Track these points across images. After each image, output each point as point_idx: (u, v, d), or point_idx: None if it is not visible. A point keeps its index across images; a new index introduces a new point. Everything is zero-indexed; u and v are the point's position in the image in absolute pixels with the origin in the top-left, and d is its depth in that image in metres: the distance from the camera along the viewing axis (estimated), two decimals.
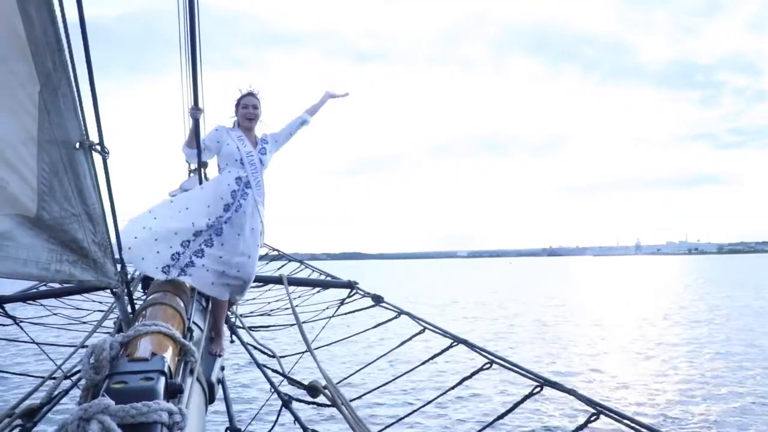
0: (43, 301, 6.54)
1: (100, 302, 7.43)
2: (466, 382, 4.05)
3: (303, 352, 4.83)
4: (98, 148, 2.58)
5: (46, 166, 2.35)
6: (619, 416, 2.77)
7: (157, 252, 4.21)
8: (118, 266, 2.88)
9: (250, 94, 4.83)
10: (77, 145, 2.45)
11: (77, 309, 7.56)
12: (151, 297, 3.64)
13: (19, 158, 2.27)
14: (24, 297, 6.08)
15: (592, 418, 2.89)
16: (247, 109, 4.79)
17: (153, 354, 2.28)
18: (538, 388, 3.33)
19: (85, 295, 7.06)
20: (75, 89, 2.38)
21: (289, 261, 9.48)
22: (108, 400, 1.84)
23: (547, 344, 20.50)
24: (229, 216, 4.51)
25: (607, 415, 2.85)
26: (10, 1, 2.15)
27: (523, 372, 3.57)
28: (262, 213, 4.76)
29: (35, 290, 6.30)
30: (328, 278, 7.08)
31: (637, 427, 2.66)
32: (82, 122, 2.45)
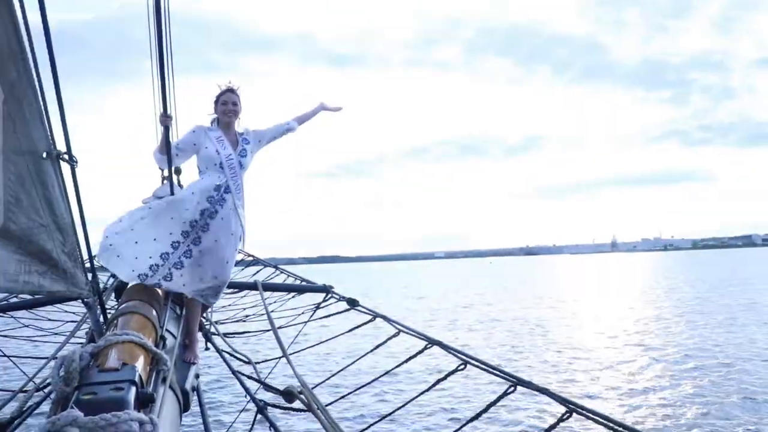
0: (14, 313, 6.44)
1: (74, 313, 7.34)
2: (440, 384, 4.07)
3: (278, 358, 4.82)
4: (66, 157, 2.56)
5: (12, 176, 2.32)
6: (591, 414, 2.80)
7: (135, 258, 4.17)
8: (90, 276, 2.86)
9: (230, 90, 4.75)
10: (44, 155, 2.42)
11: (49, 320, 7.46)
12: (122, 306, 3.61)
13: None
14: None
15: (565, 417, 2.92)
16: (227, 106, 4.71)
17: (124, 364, 2.27)
18: (512, 388, 3.36)
19: (58, 305, 6.97)
20: (41, 98, 2.35)
21: (264, 266, 9.43)
22: (76, 412, 1.83)
23: (525, 344, 20.61)
24: (205, 223, 4.47)
25: (579, 413, 2.88)
26: None
27: (497, 372, 3.59)
28: (243, 216, 4.69)
29: (5, 302, 6.20)
30: (304, 283, 7.06)
31: (610, 424, 2.69)
32: (48, 132, 2.43)
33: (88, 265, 2.88)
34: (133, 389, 2.08)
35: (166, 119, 4.49)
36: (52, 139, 2.46)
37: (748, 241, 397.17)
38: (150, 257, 4.22)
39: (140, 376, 2.24)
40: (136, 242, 4.22)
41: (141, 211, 4.44)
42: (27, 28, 2.22)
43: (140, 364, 2.37)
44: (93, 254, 3.76)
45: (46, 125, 2.41)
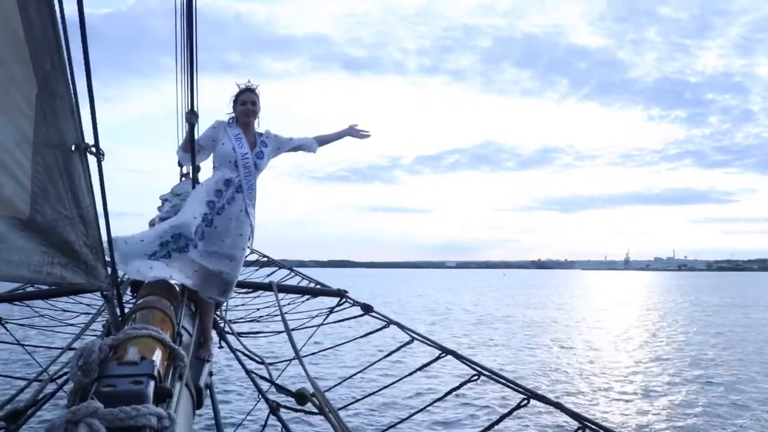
0: (30, 302, 6.49)
1: (88, 304, 7.39)
2: (453, 393, 4.06)
3: (291, 360, 4.83)
4: (93, 150, 2.58)
5: (40, 168, 2.34)
6: (604, 430, 2.79)
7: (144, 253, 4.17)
8: (109, 269, 2.88)
9: (249, 89, 4.70)
10: (73, 148, 2.45)
11: (64, 311, 7.51)
12: (141, 300, 3.62)
13: (14, 160, 2.26)
14: (10, 298, 6.01)
15: None
16: (246, 105, 4.65)
17: (142, 358, 2.28)
18: (525, 401, 3.34)
19: (73, 297, 7.02)
20: (72, 91, 2.38)
21: (279, 268, 9.45)
22: (97, 404, 1.83)
23: (538, 356, 20.51)
24: (211, 218, 4.46)
25: (592, 429, 2.86)
26: (11, 1, 2.14)
27: (511, 384, 3.58)
28: (253, 216, 4.66)
29: (22, 291, 6.25)
30: (318, 286, 7.07)
31: None
32: (78, 125, 2.45)
33: (107, 258, 2.90)
34: (152, 384, 2.09)
35: (192, 117, 4.49)
36: (81, 131, 2.48)
37: (763, 265, 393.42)
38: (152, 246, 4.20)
39: (158, 371, 2.24)
40: (142, 240, 4.20)
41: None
42: (63, 22, 2.24)
43: (158, 359, 2.38)
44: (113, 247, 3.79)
45: (77, 118, 2.43)
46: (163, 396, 2.14)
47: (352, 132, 5.16)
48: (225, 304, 6.25)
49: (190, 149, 4.53)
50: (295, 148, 4.98)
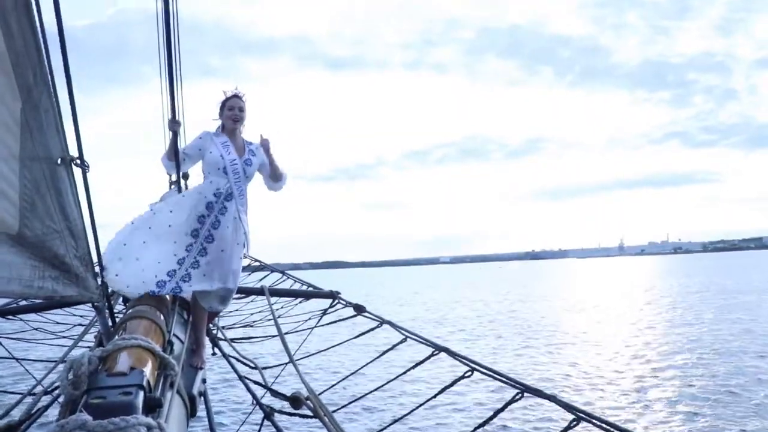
0: (23, 316, 6.47)
1: (81, 316, 7.37)
2: (447, 390, 4.08)
3: (285, 364, 4.83)
4: (78, 162, 2.58)
5: (28, 182, 2.34)
6: (599, 422, 2.81)
7: (143, 282, 4.13)
8: (99, 280, 2.88)
9: (236, 96, 4.74)
10: (59, 161, 2.45)
11: (57, 323, 7.48)
12: (131, 311, 3.62)
13: (1, 176, 2.25)
14: (2, 312, 6.00)
15: (573, 424, 2.93)
16: (233, 111, 4.68)
17: (132, 368, 2.28)
18: (519, 395, 3.36)
19: (66, 309, 7.00)
20: (55, 104, 2.38)
21: (271, 272, 9.44)
22: (85, 416, 1.84)
23: (534, 349, 20.55)
24: (209, 234, 4.45)
25: (587, 421, 2.88)
26: None
27: (504, 379, 3.60)
28: (246, 224, 4.67)
29: (14, 305, 6.23)
30: (310, 288, 7.07)
31: None
32: (63, 137, 2.45)
33: (97, 269, 2.90)
34: (141, 394, 2.09)
35: (174, 125, 4.50)
36: (66, 144, 2.48)
37: (759, 244, 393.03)
38: (156, 275, 4.20)
39: (148, 380, 2.25)
40: (142, 270, 4.18)
41: (147, 220, 4.40)
42: (43, 32, 2.23)
43: (148, 368, 2.38)
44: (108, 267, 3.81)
45: (61, 131, 2.43)
46: (153, 406, 2.15)
47: (265, 148, 4.87)
48: None
49: (174, 157, 4.54)
50: (263, 178, 4.91)
